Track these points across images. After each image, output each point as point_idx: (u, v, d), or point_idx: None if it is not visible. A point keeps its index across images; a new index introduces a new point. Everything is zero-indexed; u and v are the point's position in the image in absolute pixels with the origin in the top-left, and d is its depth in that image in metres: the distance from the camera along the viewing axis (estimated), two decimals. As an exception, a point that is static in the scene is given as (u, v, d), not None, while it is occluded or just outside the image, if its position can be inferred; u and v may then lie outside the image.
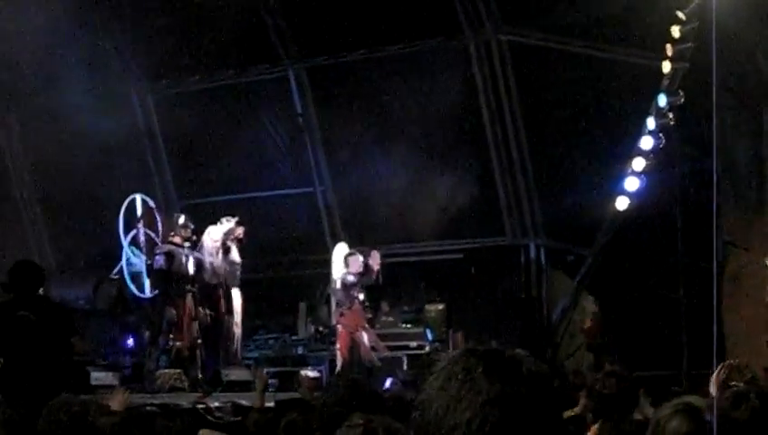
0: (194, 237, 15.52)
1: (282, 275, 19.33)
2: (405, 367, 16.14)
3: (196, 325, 15.12)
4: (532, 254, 18.45)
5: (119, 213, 16.91)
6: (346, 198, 19.60)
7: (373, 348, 15.77)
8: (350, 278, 16.19)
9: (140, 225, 16.79)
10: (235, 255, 15.83)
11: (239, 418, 10.53)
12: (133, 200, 17.07)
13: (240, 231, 15.81)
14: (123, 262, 16.85)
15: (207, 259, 15.35)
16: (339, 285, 16.47)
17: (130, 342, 16.31)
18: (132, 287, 16.92)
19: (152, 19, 19.25)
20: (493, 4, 17.64)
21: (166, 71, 20.12)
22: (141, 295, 16.90)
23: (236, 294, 15.87)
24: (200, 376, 14.85)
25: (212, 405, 11.75)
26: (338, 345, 16.09)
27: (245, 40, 19.29)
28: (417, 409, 1.94)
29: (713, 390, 5.40)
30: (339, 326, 16.23)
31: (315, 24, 18.78)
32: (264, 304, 18.56)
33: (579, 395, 7.02)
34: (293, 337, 18.63)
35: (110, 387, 12.56)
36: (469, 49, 18.08)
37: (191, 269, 15.09)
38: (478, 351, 1.96)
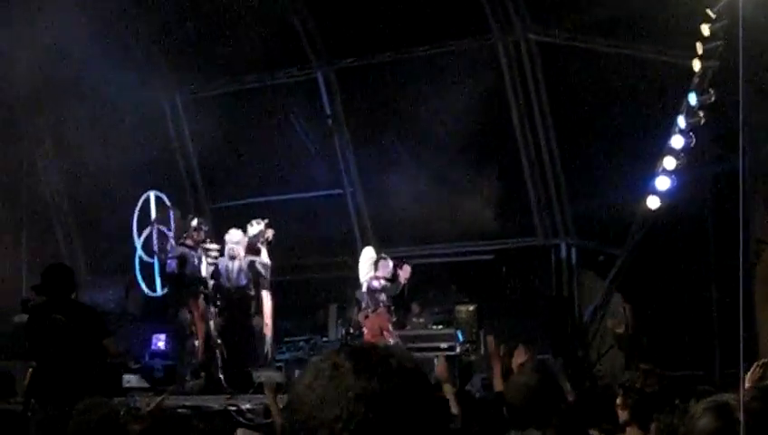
0: (208, 240, 15.52)
1: (312, 276, 19.35)
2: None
3: (211, 326, 15.13)
4: (563, 254, 18.41)
5: (133, 212, 17.02)
6: (375, 200, 19.58)
7: None
8: (375, 284, 16.18)
9: (154, 223, 16.85)
10: (264, 257, 15.85)
11: (270, 419, 10.54)
12: (147, 199, 17.14)
13: (270, 233, 15.83)
14: (136, 261, 16.96)
15: (224, 262, 15.36)
16: (364, 288, 16.47)
17: (161, 344, 16.35)
18: (143, 286, 17.01)
19: (180, 24, 19.32)
20: (521, 4, 17.61)
21: (194, 75, 20.19)
22: (152, 294, 16.98)
23: (266, 296, 15.88)
24: (221, 376, 14.86)
25: (244, 407, 11.77)
26: None
27: (274, 43, 19.32)
28: (287, 409, 1.91)
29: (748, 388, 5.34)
30: (363, 329, 16.24)
31: (343, 25, 18.80)
32: (294, 306, 18.56)
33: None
34: (324, 339, 18.65)
35: (142, 389, 12.63)
36: (498, 49, 18.05)
37: (204, 272, 15.11)
38: (348, 347, 1.94)
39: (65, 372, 9.27)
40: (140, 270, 17.29)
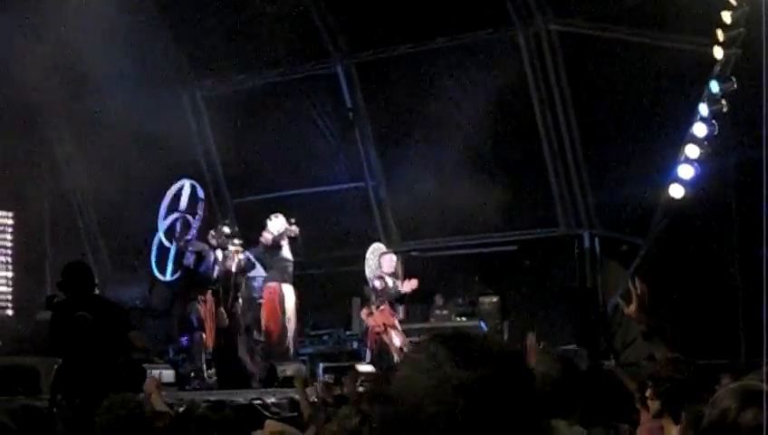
0: (230, 247, 15.60)
1: (335, 270, 19.32)
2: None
3: (224, 319, 15.27)
4: (586, 244, 18.36)
5: (163, 195, 17.09)
6: (398, 192, 19.56)
7: (402, 350, 15.68)
8: (377, 284, 16.18)
9: (184, 212, 16.90)
10: (286, 252, 15.89)
11: (296, 413, 10.56)
12: (182, 186, 17.18)
13: (295, 230, 15.87)
14: (155, 243, 17.02)
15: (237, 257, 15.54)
16: (370, 284, 16.47)
17: (186, 339, 16.40)
18: (155, 268, 17.08)
19: (200, 19, 19.36)
20: (541, -6, 17.58)
21: (215, 70, 20.22)
22: (161, 277, 17.05)
23: (289, 291, 15.91)
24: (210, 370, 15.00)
25: (268, 401, 11.80)
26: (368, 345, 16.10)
27: (293, 37, 19.33)
28: (385, 403, 1.87)
29: None
30: (366, 325, 16.25)
31: (363, 18, 18.80)
32: (317, 300, 18.57)
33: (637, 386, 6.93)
34: (347, 332, 18.67)
35: (168, 385, 12.66)
36: (518, 40, 18.00)
37: (216, 273, 15.21)
38: (441, 336, 1.90)
39: (91, 368, 9.30)
40: (156, 253, 17.37)
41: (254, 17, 18.59)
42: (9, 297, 18.41)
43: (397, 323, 16.22)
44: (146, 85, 19.52)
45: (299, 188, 20.17)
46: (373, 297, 16.18)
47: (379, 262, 16.49)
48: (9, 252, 18.55)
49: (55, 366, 9.94)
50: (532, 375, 1.86)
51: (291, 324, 15.82)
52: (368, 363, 15.36)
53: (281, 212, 16.32)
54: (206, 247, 15.30)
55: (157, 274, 17.15)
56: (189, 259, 15.26)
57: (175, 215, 17.00)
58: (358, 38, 19.28)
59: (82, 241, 20.96)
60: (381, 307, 16.02)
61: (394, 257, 16.73)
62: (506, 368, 1.82)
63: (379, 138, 19.70)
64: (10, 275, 18.54)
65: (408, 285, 16.41)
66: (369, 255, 17.01)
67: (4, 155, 17.41)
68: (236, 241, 15.70)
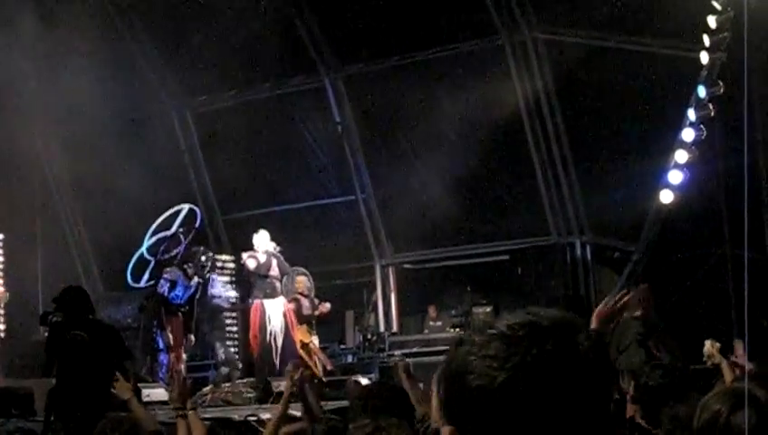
0: (207, 276, 15.83)
1: (327, 284, 19.33)
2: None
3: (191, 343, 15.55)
4: (578, 252, 18.38)
5: (158, 213, 17.21)
6: (388, 205, 19.58)
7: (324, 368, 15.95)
8: (290, 305, 16.31)
9: (177, 233, 16.99)
10: (272, 270, 16.01)
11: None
12: (179, 211, 17.29)
13: (276, 250, 16.12)
14: (136, 254, 17.17)
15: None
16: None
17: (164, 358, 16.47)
18: (129, 274, 17.22)
19: (188, 36, 19.36)
20: (526, 3, 17.60)
21: (203, 87, 20.22)
22: (134, 284, 17.18)
23: (274, 306, 15.96)
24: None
25: (264, 417, 11.77)
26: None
27: (281, 52, 19.36)
28: (445, 378, 1.86)
29: None
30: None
31: (349, 31, 18.83)
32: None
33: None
34: (342, 346, 18.66)
35: (163, 403, 12.62)
36: (505, 49, 18.03)
37: (185, 301, 15.47)
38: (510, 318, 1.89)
39: (85, 389, 9.28)
40: (134, 264, 17.54)
41: (242, 34, 18.58)
42: (1, 319, 18.34)
43: (314, 341, 16.29)
44: (135, 103, 19.56)
45: (289, 203, 20.20)
46: (292, 316, 16.34)
47: (294, 284, 16.58)
48: (1, 274, 18.48)
49: (48, 388, 9.92)
50: (588, 356, 1.80)
51: (278, 340, 15.82)
52: (368, 377, 15.38)
53: (271, 227, 16.35)
54: (181, 276, 15.45)
55: (129, 280, 17.30)
56: (164, 287, 15.46)
57: (162, 234, 17.08)
58: (345, 52, 19.30)
59: (74, 261, 20.92)
60: (298, 326, 16.12)
61: (306, 278, 16.81)
62: (552, 346, 1.79)
63: (368, 151, 19.70)
64: (1, 295, 18.48)
65: (324, 308, 16.60)
66: (285, 278, 17.08)
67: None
68: (208, 272, 15.99)
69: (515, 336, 1.80)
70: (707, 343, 8.02)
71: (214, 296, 17.25)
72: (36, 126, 19.54)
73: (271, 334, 15.72)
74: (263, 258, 15.94)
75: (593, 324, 5.34)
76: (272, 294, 15.95)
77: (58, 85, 17.97)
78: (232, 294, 18.17)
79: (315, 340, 16.41)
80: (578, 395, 1.76)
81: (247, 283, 16.65)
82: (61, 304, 9.75)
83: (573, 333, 1.84)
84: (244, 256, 16.10)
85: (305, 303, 16.42)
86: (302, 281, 16.65)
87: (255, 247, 16.08)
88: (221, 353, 17.60)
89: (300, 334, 16.03)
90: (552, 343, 1.79)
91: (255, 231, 16.36)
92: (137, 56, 20.28)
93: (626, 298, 5.39)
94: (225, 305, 18.17)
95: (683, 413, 5.04)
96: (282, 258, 16.11)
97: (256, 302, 15.98)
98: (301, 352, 15.79)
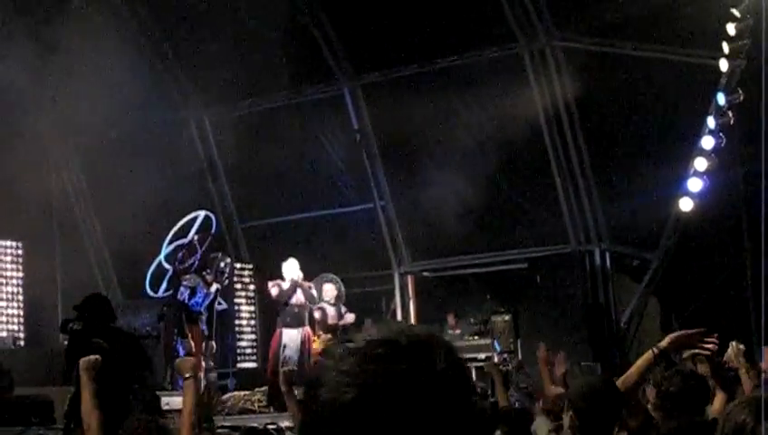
0: (226, 283, 15.81)
1: (346, 292, 19.33)
2: (474, 379, 16.04)
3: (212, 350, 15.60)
4: (597, 260, 18.32)
5: (176, 221, 17.22)
6: (407, 213, 19.58)
7: None
8: (316, 314, 16.38)
9: (193, 241, 17.04)
10: (296, 299, 16.07)
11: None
12: (196, 217, 17.32)
13: (308, 285, 16.07)
14: (154, 262, 17.19)
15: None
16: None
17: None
18: (147, 283, 17.23)
19: (205, 45, 19.40)
20: (544, 11, 17.57)
21: (221, 96, 20.24)
22: (151, 293, 17.18)
23: (292, 336, 15.94)
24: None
25: (283, 425, 11.76)
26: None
27: (299, 60, 19.39)
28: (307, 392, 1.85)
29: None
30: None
31: (367, 40, 18.83)
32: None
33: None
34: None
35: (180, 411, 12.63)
36: (524, 58, 18.01)
37: (204, 308, 15.42)
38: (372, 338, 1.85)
39: (105, 397, 9.28)
40: (152, 272, 17.57)
41: (259, 42, 18.61)
42: (21, 328, 18.40)
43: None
44: (154, 111, 19.61)
45: (308, 211, 20.21)
46: (316, 325, 16.32)
47: (321, 291, 16.56)
48: (20, 282, 18.54)
49: (68, 395, 9.93)
50: (443, 377, 1.78)
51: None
52: None
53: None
54: (201, 283, 15.42)
55: (148, 289, 17.31)
56: (184, 294, 15.42)
57: (179, 242, 17.12)
58: (363, 60, 19.31)
59: (93, 269, 20.97)
60: (322, 335, 16.09)
61: (334, 287, 16.78)
62: (406, 366, 1.76)
63: (386, 158, 19.69)
64: (22, 305, 18.54)
65: (349, 318, 16.58)
66: (313, 283, 17.07)
67: (13, 185, 17.43)
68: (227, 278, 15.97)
69: (371, 353, 1.78)
70: (732, 345, 7.94)
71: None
72: (55, 134, 19.60)
73: (284, 363, 15.64)
74: (286, 286, 15.90)
75: (663, 343, 5.32)
76: (291, 323, 15.89)
77: (77, 94, 18.03)
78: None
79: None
80: (428, 415, 1.73)
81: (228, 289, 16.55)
82: (81, 311, 9.77)
83: (430, 352, 1.80)
84: (270, 284, 16.12)
85: (330, 311, 16.39)
86: (329, 289, 16.62)
87: (284, 276, 16.06)
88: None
89: (322, 343, 16.00)
90: (406, 362, 1.76)
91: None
92: (156, 64, 20.34)
93: (706, 339, 5.37)
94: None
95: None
96: (306, 287, 16.06)
97: (277, 330, 16.01)
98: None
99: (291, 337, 15.85)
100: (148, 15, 19.93)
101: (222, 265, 15.83)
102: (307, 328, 16.00)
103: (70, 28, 17.40)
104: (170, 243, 17.50)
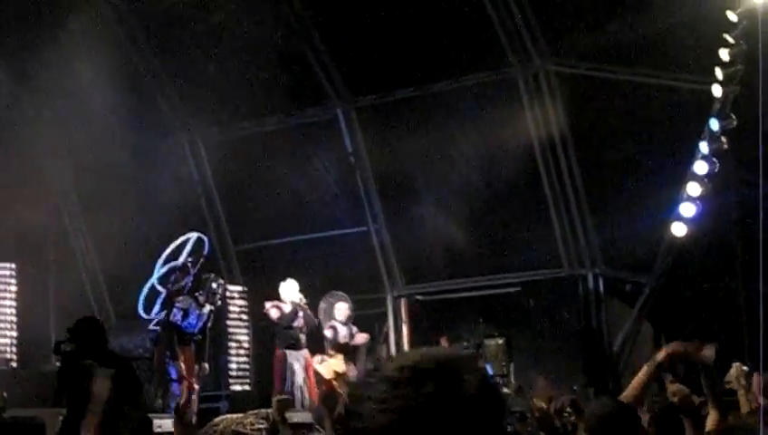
0: (219, 303, 15.75)
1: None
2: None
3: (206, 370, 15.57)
4: (591, 284, 18.33)
5: (170, 243, 17.21)
6: (400, 236, 19.59)
7: None
8: (327, 333, 16.40)
9: (186, 264, 17.04)
10: (297, 322, 15.99)
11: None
12: (187, 239, 17.32)
13: (305, 306, 15.97)
14: (147, 285, 17.18)
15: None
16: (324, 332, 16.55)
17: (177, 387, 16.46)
18: (140, 305, 17.23)
19: (200, 67, 19.43)
20: (539, 35, 17.63)
21: (215, 118, 20.27)
22: (144, 315, 17.18)
23: (298, 357, 15.87)
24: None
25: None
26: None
27: (293, 83, 19.42)
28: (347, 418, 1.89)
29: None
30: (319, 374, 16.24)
31: (362, 63, 18.86)
32: (322, 345, 18.56)
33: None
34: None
35: None
36: (517, 82, 18.06)
37: (198, 330, 15.34)
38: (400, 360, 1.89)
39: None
40: (146, 295, 17.55)
41: (253, 65, 18.65)
42: (14, 349, 18.36)
43: (351, 371, 16.17)
44: (148, 133, 19.62)
45: (301, 234, 20.19)
46: (326, 344, 16.25)
47: (333, 310, 16.50)
48: (14, 303, 18.51)
49: (60, 418, 9.92)
50: (473, 397, 1.81)
51: (303, 391, 15.64)
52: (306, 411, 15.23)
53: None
54: (193, 304, 15.37)
55: (141, 312, 17.29)
56: (177, 315, 15.37)
57: (172, 264, 17.11)
58: (357, 83, 19.33)
59: (86, 290, 20.92)
60: (333, 356, 16.01)
61: (347, 306, 16.74)
62: (434, 389, 1.79)
63: (380, 182, 19.70)
64: (15, 326, 18.50)
65: (360, 338, 16.52)
66: (322, 303, 17.01)
67: (6, 206, 17.41)
68: (220, 299, 15.92)
69: (399, 379, 1.81)
70: (735, 366, 7.95)
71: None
72: (48, 155, 19.60)
73: (294, 385, 15.57)
74: (287, 309, 15.78)
75: (660, 356, 5.35)
76: (296, 345, 15.80)
77: (70, 115, 18.05)
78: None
79: (352, 370, 16.26)
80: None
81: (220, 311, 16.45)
82: (74, 334, 9.77)
83: (457, 373, 1.83)
84: (268, 305, 15.95)
85: (342, 331, 16.30)
86: (343, 308, 16.56)
87: (282, 298, 15.95)
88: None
89: (334, 365, 15.91)
90: (433, 385, 1.79)
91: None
92: (150, 86, 20.36)
93: (699, 349, 5.41)
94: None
95: None
96: (308, 310, 15.97)
97: (279, 352, 15.84)
98: (334, 383, 15.67)
99: (296, 359, 15.75)
100: (142, 36, 19.96)
101: (214, 286, 15.79)
102: (306, 351, 15.92)
103: (63, 49, 17.42)
104: (163, 265, 17.50)
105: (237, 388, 19.14)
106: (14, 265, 18.59)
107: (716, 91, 14.88)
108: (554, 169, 18.11)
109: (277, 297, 16.25)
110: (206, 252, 17.45)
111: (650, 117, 16.91)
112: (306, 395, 15.65)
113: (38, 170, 19.35)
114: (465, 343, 18.34)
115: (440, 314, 19.36)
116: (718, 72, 14.82)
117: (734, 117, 14.83)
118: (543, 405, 9.11)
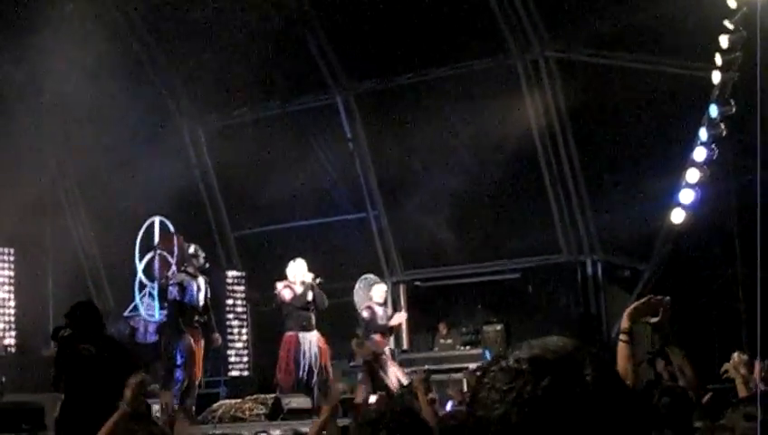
0: (207, 265, 15.46)
1: (338, 301, 19.32)
2: (465, 389, 16.04)
3: (218, 341, 15.36)
4: (589, 270, 18.36)
5: (137, 236, 17.14)
6: (399, 222, 19.59)
7: (397, 379, 15.65)
8: (365, 314, 16.19)
9: (157, 249, 16.97)
10: (310, 300, 15.83)
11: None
12: (152, 223, 17.25)
13: (317, 282, 15.79)
14: (136, 286, 17.09)
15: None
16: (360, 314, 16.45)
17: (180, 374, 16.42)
18: (142, 311, 17.14)
19: (199, 55, 19.40)
20: (538, 22, 17.61)
21: (215, 105, 20.26)
22: (151, 319, 17.08)
23: (309, 339, 15.72)
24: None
25: (273, 433, 11.76)
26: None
27: (292, 69, 19.41)
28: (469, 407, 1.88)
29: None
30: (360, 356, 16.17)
31: (361, 49, 18.86)
32: (320, 332, 18.57)
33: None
34: (351, 363, 18.60)
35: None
36: (517, 68, 18.05)
37: (201, 300, 15.04)
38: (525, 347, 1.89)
39: (95, 403, 9.27)
40: (139, 294, 17.44)
41: (253, 51, 18.62)
42: (13, 334, 18.38)
43: (388, 351, 16.09)
44: (147, 120, 19.60)
45: (300, 219, 20.20)
46: (363, 327, 16.15)
47: (370, 292, 16.41)
48: (12, 288, 18.52)
49: (59, 403, 9.93)
50: (595, 389, 1.78)
51: (313, 374, 15.46)
52: (379, 394, 15.16)
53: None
54: (186, 277, 15.12)
55: (144, 315, 17.20)
56: (173, 292, 15.14)
57: (150, 254, 17.04)
58: (356, 69, 19.33)
59: (85, 276, 20.94)
60: (371, 336, 15.94)
61: (385, 288, 16.68)
62: (553, 381, 1.78)
63: (379, 168, 19.70)
64: (13, 311, 18.52)
65: (397, 319, 16.44)
66: (358, 284, 16.97)
67: (4, 191, 17.40)
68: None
69: (519, 370, 1.81)
70: (734, 356, 7.93)
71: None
72: (47, 141, 19.59)
73: (304, 369, 15.41)
74: (299, 289, 15.51)
75: (623, 323, 5.35)
76: (308, 326, 15.60)
77: (70, 102, 18.03)
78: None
79: (388, 351, 16.21)
80: (578, 427, 1.75)
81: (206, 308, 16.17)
82: (70, 318, 9.78)
83: (579, 365, 1.82)
84: (279, 285, 15.60)
85: (379, 312, 16.22)
86: (380, 290, 16.46)
87: (291, 277, 15.69)
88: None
89: (372, 346, 15.84)
90: (553, 377, 1.78)
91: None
92: (149, 73, 20.36)
93: (653, 300, 5.40)
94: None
95: None
96: (318, 290, 15.74)
97: (290, 334, 15.57)
98: (371, 364, 15.65)
99: (308, 341, 15.54)
100: (142, 24, 19.94)
101: (192, 250, 15.46)
102: (317, 332, 15.70)
103: (62, 36, 17.39)
104: (141, 258, 17.36)
105: (236, 373, 19.16)
106: (12, 250, 18.60)
107: (716, 77, 14.85)
108: (553, 155, 18.12)
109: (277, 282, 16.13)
110: (171, 229, 17.27)
111: (649, 103, 16.90)
112: (314, 378, 15.48)
113: (36, 156, 19.34)
114: (463, 329, 18.37)
115: (439, 300, 19.39)
116: (718, 59, 14.79)
117: (733, 103, 14.81)
118: None
